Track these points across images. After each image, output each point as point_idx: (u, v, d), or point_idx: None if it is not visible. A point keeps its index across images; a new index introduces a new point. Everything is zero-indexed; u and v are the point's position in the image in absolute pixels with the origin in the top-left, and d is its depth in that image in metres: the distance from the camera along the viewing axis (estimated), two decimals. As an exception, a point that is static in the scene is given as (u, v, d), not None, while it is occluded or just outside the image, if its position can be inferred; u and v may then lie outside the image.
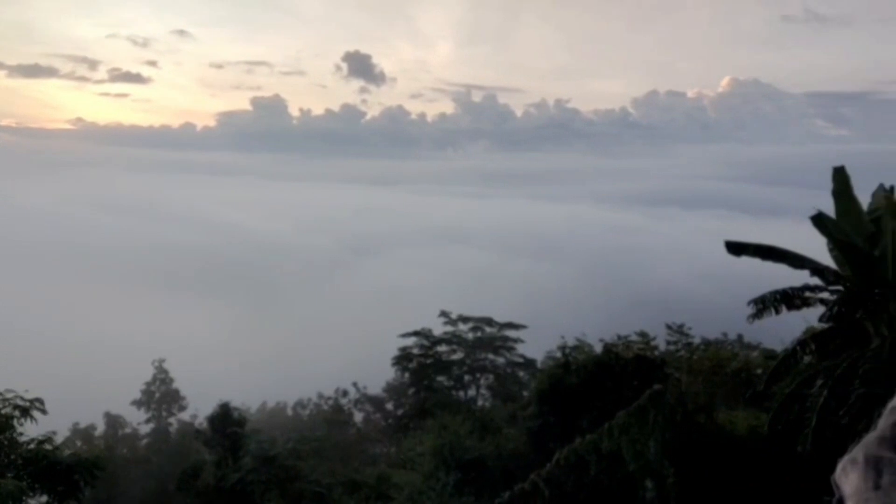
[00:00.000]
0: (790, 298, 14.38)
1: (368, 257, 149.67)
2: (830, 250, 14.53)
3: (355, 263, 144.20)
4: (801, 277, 14.45)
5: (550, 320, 49.66)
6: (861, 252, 13.85)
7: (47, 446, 13.80)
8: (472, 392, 36.02)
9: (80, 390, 45.04)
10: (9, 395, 13.62)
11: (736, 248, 14.62)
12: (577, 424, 17.29)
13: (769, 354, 22.07)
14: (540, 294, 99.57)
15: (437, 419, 22.41)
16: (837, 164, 14.58)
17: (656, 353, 23.71)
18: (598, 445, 15.54)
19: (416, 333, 36.26)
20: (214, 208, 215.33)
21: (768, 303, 14.36)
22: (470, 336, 36.55)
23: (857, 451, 1.33)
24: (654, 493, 15.47)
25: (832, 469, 1.35)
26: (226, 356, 68.17)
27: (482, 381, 36.24)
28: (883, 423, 1.38)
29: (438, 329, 36.72)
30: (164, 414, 40.97)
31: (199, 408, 37.23)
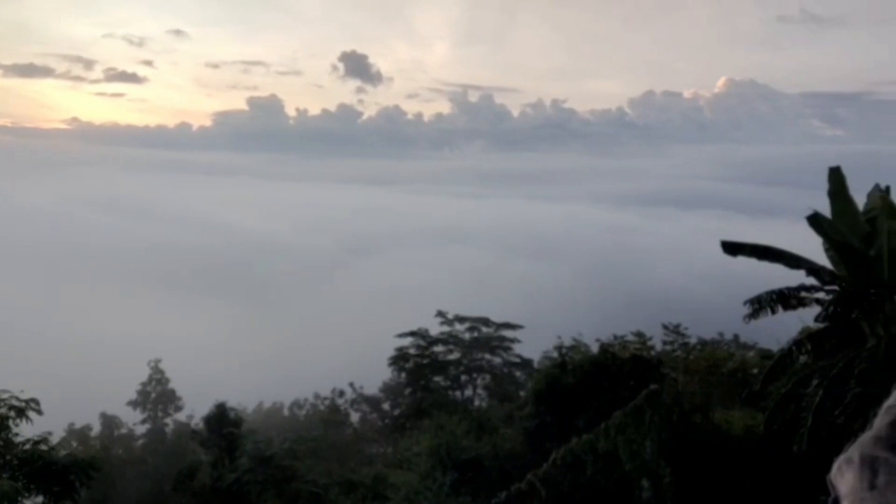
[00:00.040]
0: (786, 298, 14.41)
1: (365, 257, 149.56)
2: (826, 250, 14.58)
3: (352, 263, 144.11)
4: (797, 277, 14.50)
5: (547, 320, 49.70)
6: (857, 252, 13.89)
7: (43, 447, 13.72)
8: (468, 392, 35.98)
9: (76, 390, 44.99)
10: (4, 396, 13.55)
11: (732, 248, 14.65)
12: (574, 424, 17.31)
13: (765, 354, 22.18)
14: (536, 294, 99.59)
15: (434, 419, 22.36)
16: (833, 164, 14.66)
17: (653, 353, 23.75)
18: (595, 445, 15.56)
19: (412, 333, 36.21)
20: (211, 208, 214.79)
21: (764, 303, 14.40)
22: (466, 336, 36.51)
23: (853, 451, 1.33)
24: (650, 492, 15.48)
25: (828, 469, 1.36)
26: (222, 356, 68.03)
27: (479, 381, 36.21)
28: (879, 423, 1.38)
29: (435, 329, 36.65)
30: (161, 414, 40.89)
31: (195, 408, 37.10)
